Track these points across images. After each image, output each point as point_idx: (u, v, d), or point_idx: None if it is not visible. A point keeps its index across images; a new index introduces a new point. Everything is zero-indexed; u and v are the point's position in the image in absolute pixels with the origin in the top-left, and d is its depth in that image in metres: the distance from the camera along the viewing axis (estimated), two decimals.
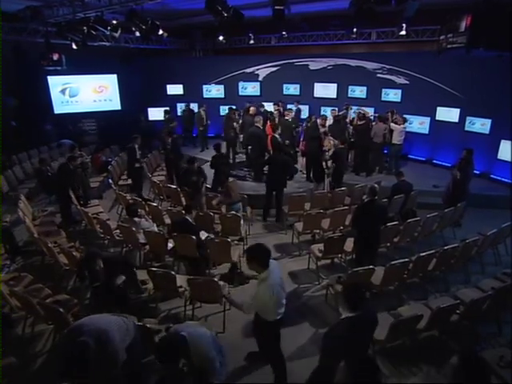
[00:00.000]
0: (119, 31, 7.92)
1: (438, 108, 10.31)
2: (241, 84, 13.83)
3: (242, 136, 10.87)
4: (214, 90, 14.17)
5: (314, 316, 4.93)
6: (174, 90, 14.24)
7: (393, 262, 4.72)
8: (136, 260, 6.19)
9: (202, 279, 4.45)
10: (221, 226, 6.35)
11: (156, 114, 13.89)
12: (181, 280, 4.76)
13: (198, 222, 5.84)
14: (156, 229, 6.15)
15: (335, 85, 12.26)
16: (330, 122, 9.77)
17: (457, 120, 9.96)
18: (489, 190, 8.63)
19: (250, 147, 9.59)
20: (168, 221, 6.74)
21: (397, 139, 9.29)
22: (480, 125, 9.50)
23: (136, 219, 5.80)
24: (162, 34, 8.55)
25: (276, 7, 5.97)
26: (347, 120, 10.05)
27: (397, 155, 9.53)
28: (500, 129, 9.02)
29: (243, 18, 6.41)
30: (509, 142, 8.84)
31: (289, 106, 11.42)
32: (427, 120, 10.63)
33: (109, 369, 2.94)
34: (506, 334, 4.45)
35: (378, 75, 11.37)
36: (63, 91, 12.85)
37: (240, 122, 10.75)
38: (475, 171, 7.94)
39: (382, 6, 5.37)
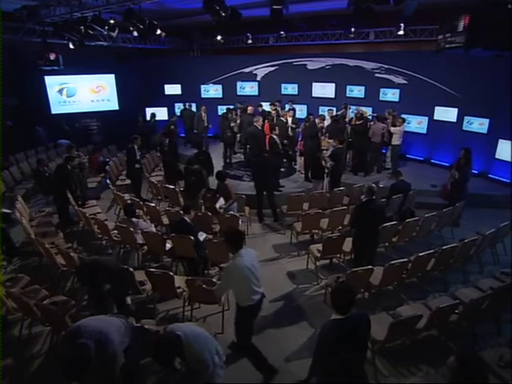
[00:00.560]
0: (116, 31, 7.89)
1: (436, 108, 10.32)
2: (239, 84, 13.81)
3: (239, 136, 10.88)
4: (211, 90, 14.15)
5: (312, 316, 4.92)
6: (172, 90, 14.21)
7: (392, 262, 4.71)
8: (134, 261, 6.18)
9: (200, 280, 4.42)
10: (219, 226, 6.32)
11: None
12: (179, 281, 4.74)
13: (196, 222, 5.81)
14: (154, 229, 6.13)
15: (333, 84, 12.26)
16: (327, 122, 9.75)
17: (455, 120, 9.96)
18: (487, 190, 8.64)
19: (248, 147, 9.58)
20: (166, 221, 6.72)
21: (396, 141, 9.25)
22: (478, 124, 9.51)
23: (134, 220, 5.78)
24: (159, 34, 8.52)
25: (274, 7, 5.96)
26: (346, 120, 10.03)
27: (396, 156, 9.51)
28: (498, 128, 9.04)
29: (241, 18, 6.39)
30: (507, 142, 8.85)
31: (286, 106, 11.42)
32: (425, 120, 10.64)
33: (108, 370, 2.93)
34: (506, 334, 4.46)
35: (376, 75, 11.37)
36: (60, 91, 12.82)
37: (238, 121, 10.74)
38: (473, 171, 7.94)
39: (381, 5, 5.36)
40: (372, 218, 5.03)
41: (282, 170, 9.29)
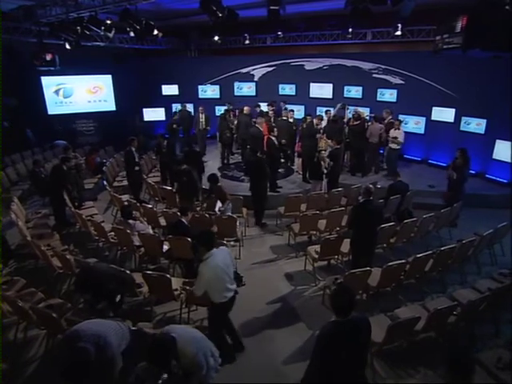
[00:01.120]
0: (113, 31, 7.83)
1: (434, 108, 10.32)
2: (236, 84, 13.78)
3: (235, 136, 10.86)
4: (209, 91, 14.12)
5: (310, 318, 4.90)
6: (170, 90, 14.15)
7: (390, 264, 4.70)
8: (131, 263, 6.14)
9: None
10: (217, 227, 6.29)
11: (151, 114, 13.83)
12: (176, 283, 4.71)
13: (193, 223, 5.77)
14: (151, 231, 6.10)
15: (331, 85, 12.25)
16: (325, 122, 9.73)
17: (452, 120, 9.97)
18: (484, 190, 8.65)
19: (248, 147, 9.55)
20: (163, 223, 6.68)
21: (396, 145, 9.10)
22: (475, 125, 9.52)
23: (131, 221, 5.74)
24: (156, 34, 8.47)
25: (271, 7, 5.93)
26: (344, 120, 10.01)
27: (396, 159, 9.37)
28: (495, 129, 9.05)
29: (238, 18, 6.36)
30: (504, 142, 8.86)
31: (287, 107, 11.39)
32: (423, 120, 10.64)
33: (107, 374, 2.90)
34: (504, 335, 4.45)
35: (374, 75, 11.36)
36: (57, 92, 12.74)
37: (235, 122, 10.71)
38: (471, 171, 7.94)
39: (378, 5, 5.34)
40: (370, 219, 5.01)
41: (279, 170, 9.28)
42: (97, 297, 4.21)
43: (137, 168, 8.25)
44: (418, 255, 4.88)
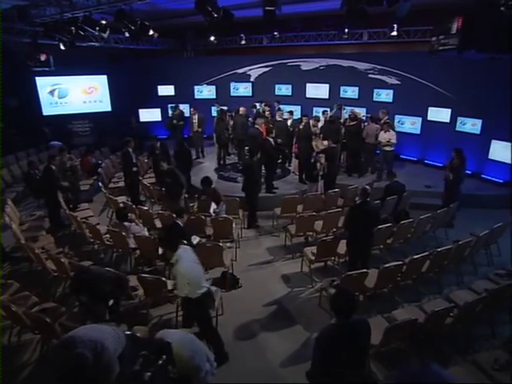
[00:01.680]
0: (108, 32, 7.77)
1: (430, 108, 10.34)
2: (232, 84, 13.74)
3: (232, 137, 10.83)
4: (205, 91, 14.07)
5: (307, 320, 4.88)
6: (166, 90, 14.08)
7: (386, 265, 4.69)
8: (127, 265, 6.10)
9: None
10: (212, 229, 6.26)
11: (147, 115, 13.76)
12: (172, 285, 4.67)
13: (189, 225, 5.74)
14: (147, 233, 6.06)
15: (327, 85, 12.24)
16: (322, 123, 9.71)
17: (448, 120, 9.99)
18: (480, 190, 8.67)
19: (246, 148, 9.53)
20: (159, 225, 6.64)
21: (390, 146, 9.00)
22: (471, 125, 9.54)
23: (126, 223, 5.70)
24: (152, 35, 8.43)
25: (266, 8, 5.91)
26: (341, 121, 10.00)
27: (391, 159, 9.31)
28: (491, 129, 9.08)
29: (233, 19, 6.33)
30: (499, 142, 8.89)
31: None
32: (419, 120, 10.65)
33: (105, 380, 2.87)
34: (500, 335, 4.45)
35: (370, 75, 11.37)
36: (52, 92, 12.62)
37: (231, 123, 10.68)
38: (467, 171, 7.95)
39: (374, 6, 5.33)
40: (366, 220, 5.00)
41: (276, 171, 9.25)
42: (92, 300, 4.20)
43: (134, 169, 8.20)
44: (415, 256, 4.87)
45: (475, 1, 3.56)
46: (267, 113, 10.57)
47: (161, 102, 13.76)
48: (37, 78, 12.03)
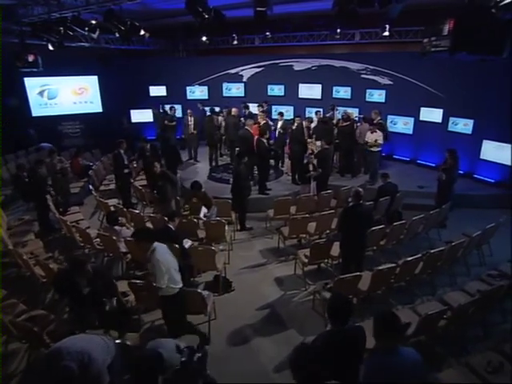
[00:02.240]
0: (97, 32, 7.64)
1: (422, 108, 10.37)
2: (225, 85, 13.68)
3: (224, 138, 10.76)
4: (197, 92, 13.97)
5: (300, 324, 4.83)
6: (157, 91, 13.96)
7: (380, 268, 4.68)
8: (118, 270, 6.00)
9: (184, 291, 4.29)
10: (205, 232, 6.19)
11: (139, 116, 13.63)
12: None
13: (181, 229, 5.66)
14: None
15: (320, 85, 12.23)
16: (314, 123, 9.68)
17: (440, 120, 10.03)
18: (472, 190, 8.71)
19: (237, 149, 9.46)
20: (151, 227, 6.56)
21: (376, 147, 8.90)
22: (462, 125, 9.58)
23: (117, 227, 5.62)
24: (143, 35, 8.31)
25: (257, 9, 5.85)
26: (334, 121, 9.98)
27: (377, 161, 9.22)
28: (482, 129, 9.13)
29: (225, 19, 6.27)
30: (490, 142, 8.95)
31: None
32: (411, 120, 10.68)
33: None
34: (492, 336, 4.46)
35: (362, 76, 11.38)
36: (41, 93, 12.44)
37: (223, 124, 10.61)
38: (459, 171, 7.98)
39: (365, 7, 5.31)
40: (359, 223, 4.98)
41: (269, 172, 9.20)
42: (75, 300, 4.11)
43: (126, 171, 8.09)
44: (408, 258, 4.86)
45: (467, 3, 3.55)
46: (261, 114, 10.46)
47: (153, 103, 13.62)
48: (25, 79, 11.86)
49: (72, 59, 11.39)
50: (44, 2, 7.44)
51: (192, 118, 10.93)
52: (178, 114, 12.60)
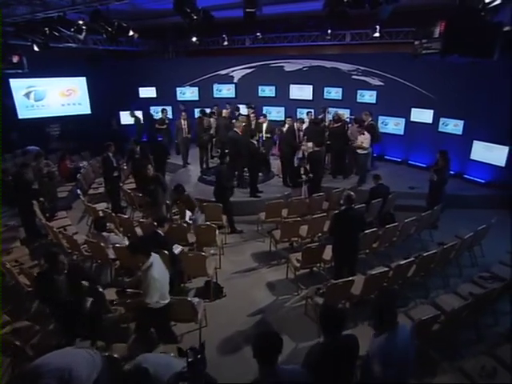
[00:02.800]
0: (84, 33, 7.48)
1: (413, 109, 10.39)
2: (215, 86, 13.56)
3: (215, 140, 10.65)
4: (188, 93, 13.83)
5: (293, 330, 4.74)
6: (147, 92, 13.77)
7: (372, 272, 4.62)
8: (107, 277, 5.86)
9: (174, 299, 4.19)
10: (195, 237, 6.09)
11: (128, 117, 13.42)
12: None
13: (171, 233, 5.54)
14: (127, 243, 5.82)
15: (311, 86, 12.19)
16: (306, 124, 9.63)
17: (431, 121, 10.06)
18: (463, 190, 8.74)
19: (226, 151, 9.37)
20: (140, 232, 6.42)
21: (362, 149, 8.83)
22: (453, 126, 9.62)
23: (105, 234, 5.48)
24: (132, 35, 8.15)
25: (247, 10, 5.76)
26: (325, 123, 9.94)
27: (365, 164, 9.19)
28: (472, 129, 9.17)
29: (213, 21, 6.17)
30: (480, 143, 9.00)
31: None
32: (402, 121, 10.70)
33: None
34: (485, 339, 4.44)
35: (353, 77, 11.36)
36: (27, 95, 12.17)
37: (214, 125, 10.50)
38: (450, 171, 7.99)
39: (356, 8, 5.26)
40: (352, 226, 4.93)
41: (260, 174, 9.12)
42: (56, 305, 4.00)
43: (116, 174, 7.93)
44: (401, 262, 4.83)
45: (457, 5, 3.52)
46: (252, 116, 10.36)
47: (142, 104, 13.43)
48: (11, 80, 11.57)
49: (59, 60, 11.17)
50: (27, 1, 7.24)
51: (186, 122, 10.58)
52: (169, 115, 12.49)
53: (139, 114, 12.74)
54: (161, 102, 13.07)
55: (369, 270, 5.53)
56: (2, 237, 6.48)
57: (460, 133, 9.47)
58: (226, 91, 13.54)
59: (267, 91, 13.07)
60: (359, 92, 11.31)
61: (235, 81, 13.39)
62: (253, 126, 9.63)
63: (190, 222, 6.25)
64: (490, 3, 3.58)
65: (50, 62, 10.65)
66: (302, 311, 5.08)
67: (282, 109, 12.58)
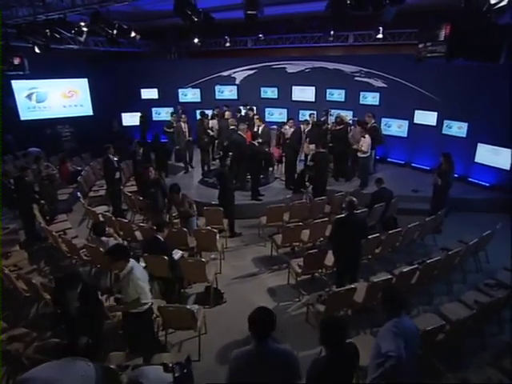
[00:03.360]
0: (84, 35, 7.44)
1: (416, 111, 10.28)
2: (217, 87, 13.50)
3: (217, 142, 10.57)
4: (190, 94, 13.78)
5: (294, 337, 4.66)
6: (149, 94, 13.75)
7: (375, 280, 4.53)
8: (106, 281, 5.81)
9: (173, 307, 4.12)
10: (196, 241, 6.02)
11: (130, 119, 13.42)
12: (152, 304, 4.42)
13: (170, 239, 5.47)
14: None
15: (313, 88, 12.11)
16: (308, 127, 9.55)
17: (434, 123, 9.94)
18: (467, 194, 8.62)
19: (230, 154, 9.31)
20: (140, 237, 6.36)
21: (364, 153, 8.71)
22: (457, 128, 9.51)
23: (104, 239, 5.42)
24: (134, 36, 8.11)
25: (248, 12, 5.69)
26: (328, 126, 9.85)
27: (366, 168, 9.09)
28: (477, 132, 9.05)
29: (214, 22, 6.11)
30: (485, 146, 8.88)
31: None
32: (405, 123, 10.60)
33: None
34: (490, 348, 4.35)
35: (356, 78, 11.28)
36: (29, 96, 12.18)
37: (217, 127, 10.43)
38: (454, 175, 7.88)
39: (360, 11, 5.18)
40: (353, 232, 4.83)
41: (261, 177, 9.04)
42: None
43: (117, 175, 7.86)
44: (404, 269, 4.73)
45: (463, 6, 3.43)
46: (256, 118, 10.25)
47: (144, 106, 13.40)
48: (13, 82, 11.58)
49: (61, 62, 11.17)
50: (29, 3, 7.21)
51: (186, 125, 10.34)
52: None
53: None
54: (162, 104, 13.04)
55: (371, 275, 5.46)
56: (2, 239, 6.45)
57: (464, 135, 9.35)
58: (228, 93, 13.48)
59: (269, 93, 13.01)
60: (362, 94, 11.22)
61: (237, 82, 13.34)
62: (255, 128, 9.55)
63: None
64: (496, 4, 3.49)
65: (51, 63, 10.64)
66: (303, 318, 4.99)
67: (285, 110, 12.51)
